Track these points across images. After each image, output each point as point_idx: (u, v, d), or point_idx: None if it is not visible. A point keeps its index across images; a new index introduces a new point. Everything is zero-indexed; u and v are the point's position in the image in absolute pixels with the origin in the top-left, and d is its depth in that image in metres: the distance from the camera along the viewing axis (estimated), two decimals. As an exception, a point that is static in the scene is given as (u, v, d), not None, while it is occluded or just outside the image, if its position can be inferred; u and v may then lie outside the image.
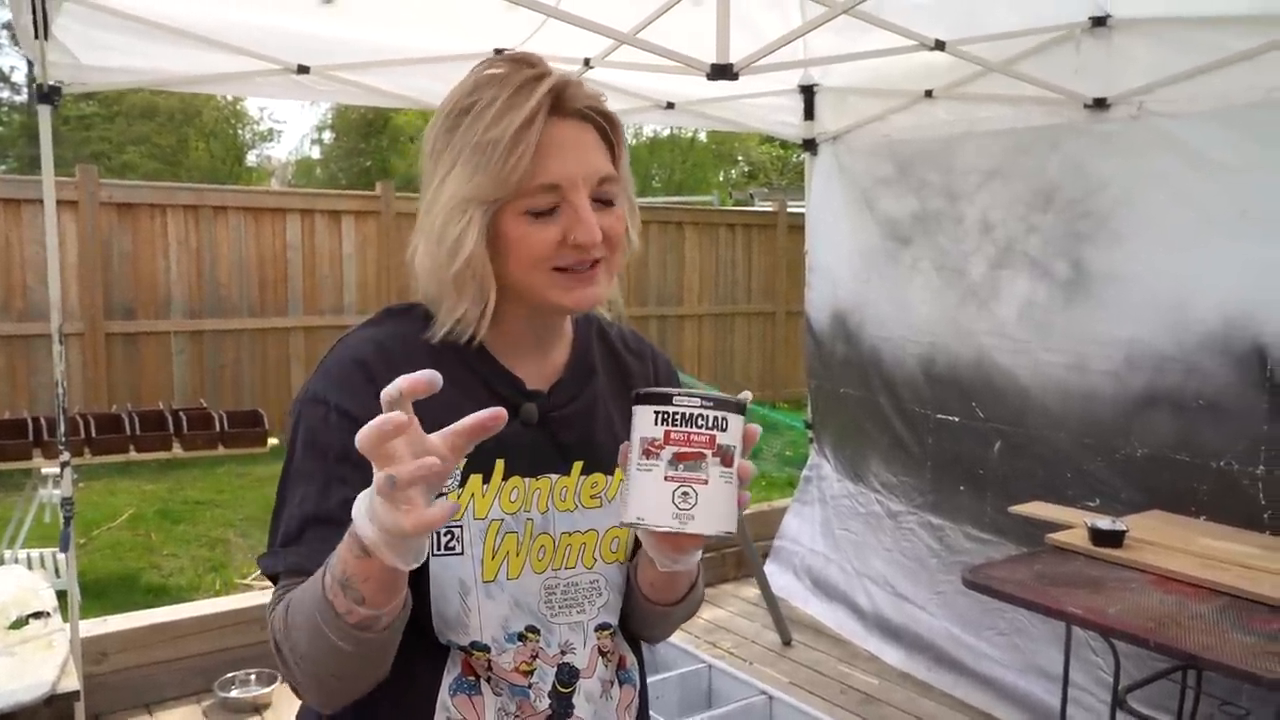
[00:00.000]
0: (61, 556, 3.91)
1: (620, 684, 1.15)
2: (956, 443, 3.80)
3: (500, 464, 1.04)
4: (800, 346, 5.31)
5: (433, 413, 0.98)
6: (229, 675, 3.55)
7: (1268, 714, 2.30)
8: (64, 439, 3.18)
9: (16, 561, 4.34)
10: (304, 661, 0.94)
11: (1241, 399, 2.87)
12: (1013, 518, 3.21)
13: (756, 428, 0.94)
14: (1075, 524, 2.84)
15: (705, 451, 0.89)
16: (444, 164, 1.02)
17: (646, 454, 0.90)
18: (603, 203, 1.04)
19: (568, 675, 1.07)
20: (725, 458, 0.90)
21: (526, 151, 0.97)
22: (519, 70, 1.01)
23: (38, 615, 3.45)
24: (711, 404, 0.90)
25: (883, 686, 3.78)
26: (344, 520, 0.94)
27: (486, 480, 1.04)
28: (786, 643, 4.18)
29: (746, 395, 0.97)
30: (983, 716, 3.52)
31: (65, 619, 3.37)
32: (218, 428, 4.70)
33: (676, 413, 0.90)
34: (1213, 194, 2.95)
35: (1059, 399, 3.40)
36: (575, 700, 1.07)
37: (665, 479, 0.89)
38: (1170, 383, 3.05)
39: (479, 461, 1.03)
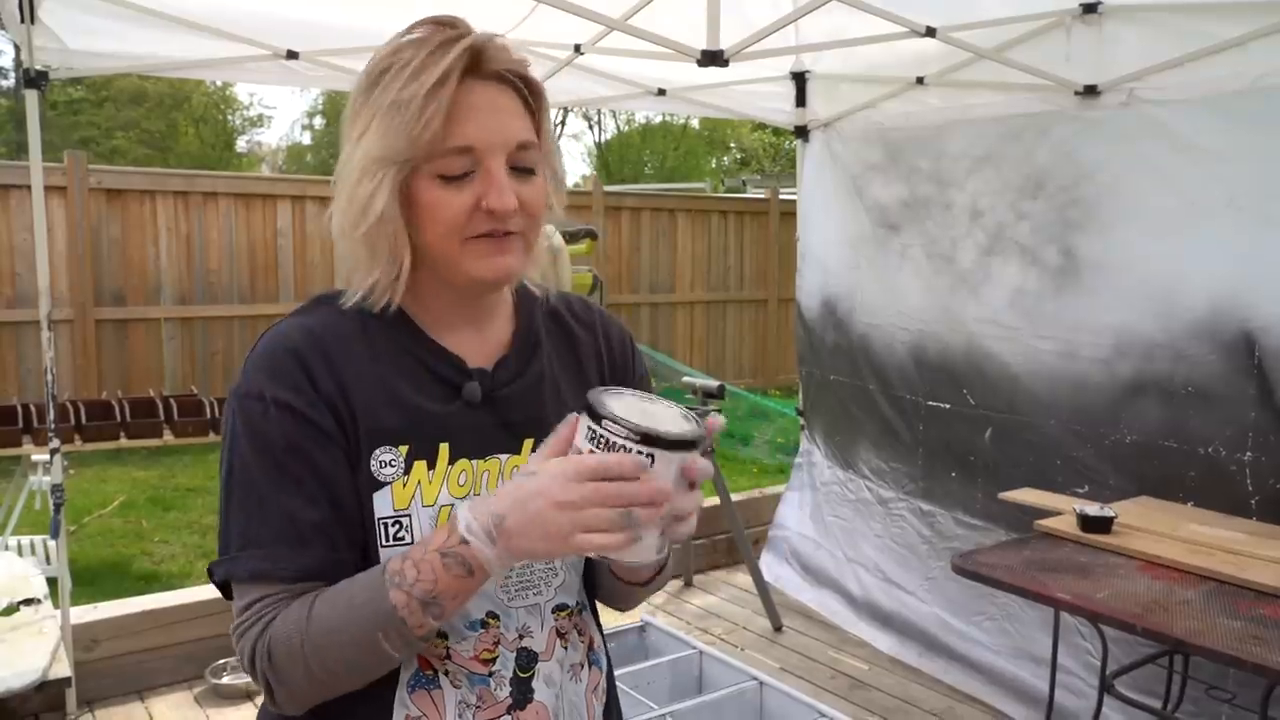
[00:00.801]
0: (52, 543, 3.90)
1: (590, 665, 1.13)
2: (947, 429, 3.81)
3: (445, 448, 1.02)
4: (792, 333, 5.32)
5: (367, 395, 1.00)
6: (220, 661, 3.56)
7: (1254, 698, 2.31)
8: (54, 426, 3.17)
9: (7, 549, 4.33)
10: (333, 673, 0.94)
11: (1229, 386, 2.88)
12: (1003, 504, 3.22)
13: (701, 468, 0.90)
14: (1064, 510, 2.86)
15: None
16: (359, 124, 0.99)
17: None
18: (521, 171, 1.01)
19: (526, 660, 1.05)
20: None
21: (438, 111, 0.95)
22: (439, 32, 0.99)
23: (28, 602, 3.46)
24: (638, 438, 0.86)
25: (872, 672, 3.81)
26: (306, 519, 0.96)
27: (432, 466, 1.01)
28: (777, 629, 4.20)
29: (716, 423, 0.93)
30: (972, 701, 3.54)
31: (56, 606, 3.37)
32: (208, 414, 4.69)
33: (603, 436, 0.87)
34: (1200, 181, 2.95)
35: (1048, 386, 3.41)
36: (534, 684, 1.05)
37: None
38: (1159, 370, 3.07)
39: (423, 447, 1.01)
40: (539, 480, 0.88)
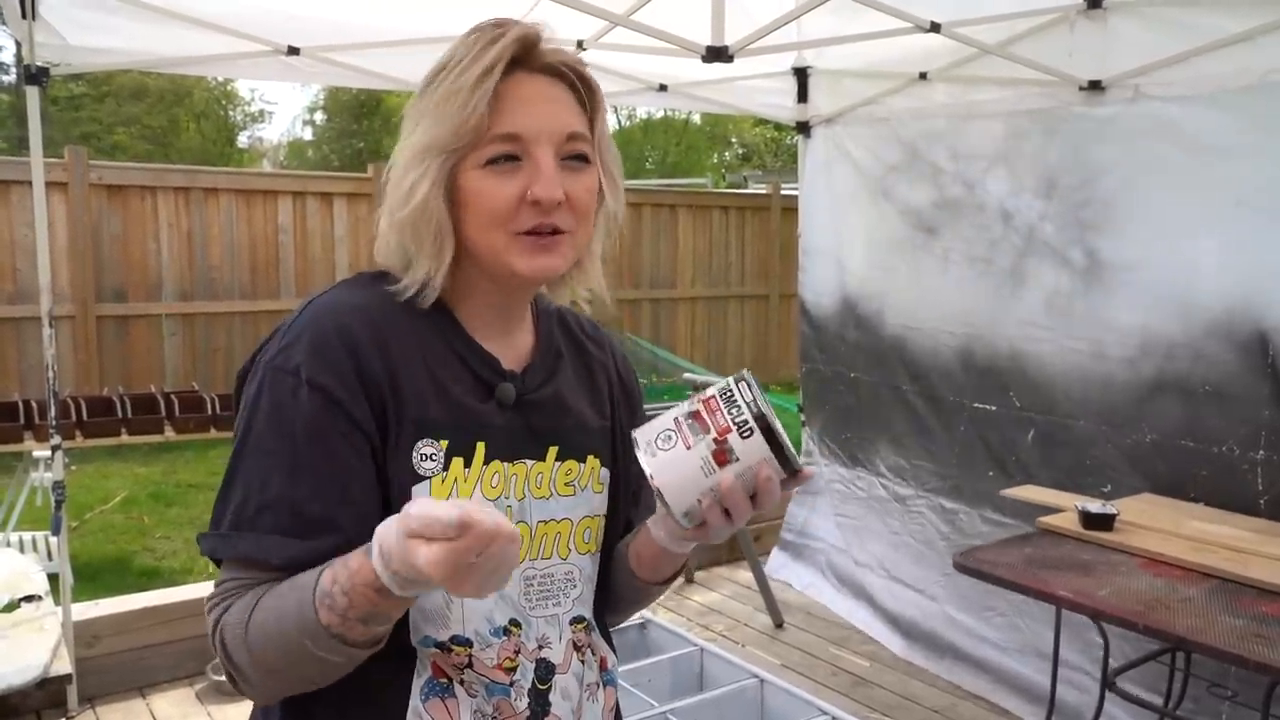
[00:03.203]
0: (53, 539, 3.91)
1: (603, 685, 1.12)
2: (990, 430, 3.76)
3: (482, 447, 1.00)
4: (794, 329, 5.31)
5: (418, 384, 0.98)
6: (222, 658, 3.56)
7: (1256, 695, 2.31)
8: (55, 422, 3.17)
9: (8, 545, 4.34)
10: (272, 672, 0.91)
11: (1244, 385, 2.87)
12: (1032, 504, 3.20)
13: (775, 487, 0.93)
14: (1066, 507, 2.85)
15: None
16: (411, 123, 0.99)
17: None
18: (573, 164, 0.99)
19: (545, 671, 1.02)
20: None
21: (483, 98, 0.94)
22: (491, 30, 0.98)
23: (29, 599, 3.46)
24: (755, 411, 0.91)
25: (874, 669, 3.80)
26: (309, 511, 0.92)
27: (468, 464, 0.99)
28: (779, 625, 4.20)
29: (809, 473, 0.96)
30: (974, 698, 3.54)
31: (57, 602, 3.37)
32: (209, 411, 4.69)
33: (732, 395, 0.92)
34: (1209, 179, 2.94)
35: (1081, 386, 3.39)
36: (552, 698, 1.02)
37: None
38: (1179, 369, 3.05)
39: (462, 444, 0.99)
40: (401, 523, 0.81)
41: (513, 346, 1.08)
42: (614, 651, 1.16)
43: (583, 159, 0.99)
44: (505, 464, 1.02)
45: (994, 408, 3.77)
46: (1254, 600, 2.23)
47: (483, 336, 1.05)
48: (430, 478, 0.97)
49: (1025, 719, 3.36)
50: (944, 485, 3.99)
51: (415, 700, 0.97)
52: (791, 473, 0.92)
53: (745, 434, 0.90)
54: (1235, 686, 2.68)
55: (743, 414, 0.90)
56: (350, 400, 0.94)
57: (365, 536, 0.90)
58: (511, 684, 1.00)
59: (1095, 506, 2.71)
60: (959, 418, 3.94)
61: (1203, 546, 2.53)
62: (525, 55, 0.97)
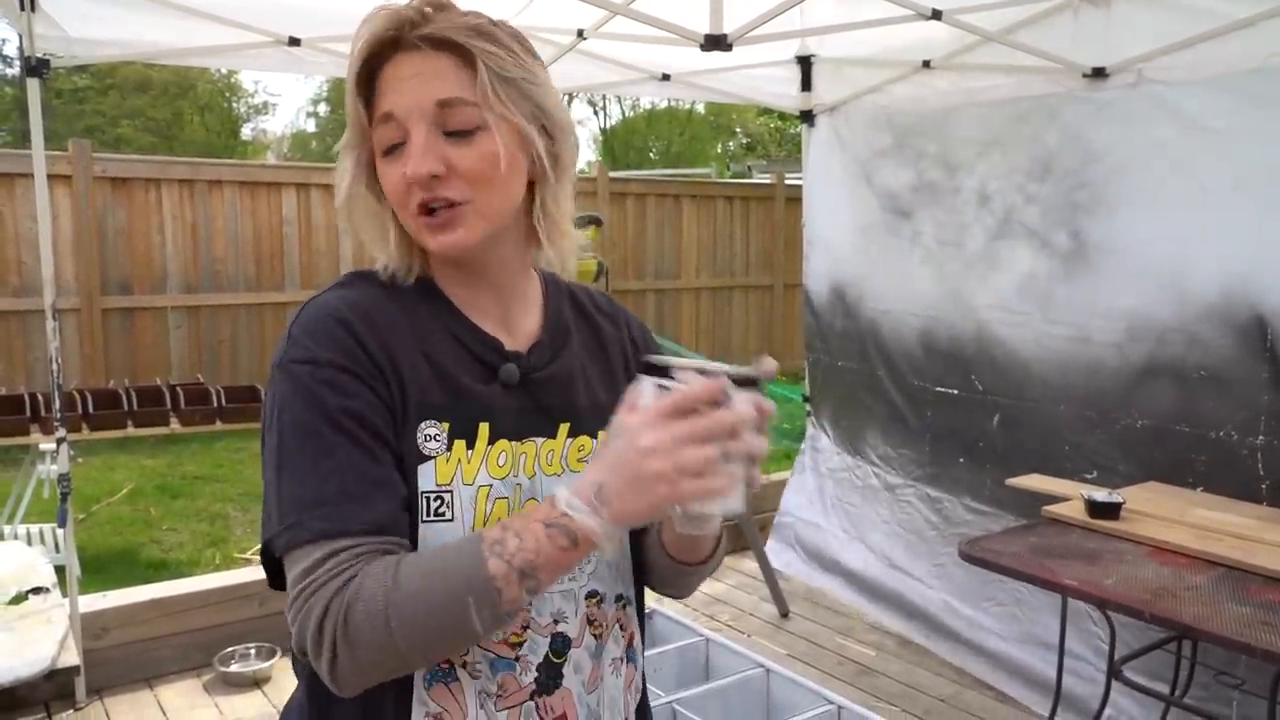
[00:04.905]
0: (60, 532, 3.92)
1: (627, 662, 1.12)
2: (955, 415, 3.80)
3: (485, 427, 1.00)
4: (798, 319, 5.30)
5: (415, 367, 0.99)
6: (229, 649, 3.57)
7: (1263, 683, 2.30)
8: (60, 415, 3.17)
9: (16, 537, 4.35)
10: (412, 641, 0.88)
11: (1242, 369, 2.86)
12: (1012, 490, 3.21)
13: (769, 404, 0.90)
14: (1071, 496, 2.85)
15: None
16: None
17: None
18: (457, 134, 0.97)
19: (561, 644, 1.03)
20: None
21: (358, 86, 0.99)
22: (365, 19, 1.00)
23: (37, 591, 3.47)
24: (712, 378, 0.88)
25: (880, 658, 3.81)
26: (371, 473, 0.93)
27: (471, 445, 0.99)
28: (784, 615, 4.20)
29: (767, 367, 0.91)
30: (980, 685, 3.54)
31: (65, 594, 3.38)
32: (215, 403, 4.70)
33: (672, 387, 0.88)
34: (1210, 163, 2.92)
35: (1059, 371, 3.39)
36: (565, 670, 1.03)
37: None
38: (1172, 354, 3.04)
39: (463, 426, 0.99)
40: (625, 438, 0.87)
41: (517, 326, 1.08)
42: (641, 631, 1.16)
43: (466, 126, 0.97)
44: (513, 443, 1.02)
45: (956, 391, 3.78)
46: (1261, 588, 2.22)
47: (482, 318, 1.06)
48: (435, 457, 0.98)
49: (1031, 707, 3.36)
50: (925, 473, 4.01)
51: (419, 689, 0.97)
52: (746, 381, 0.89)
53: (726, 401, 0.87)
54: (1242, 674, 2.68)
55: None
56: (368, 376, 0.96)
57: (409, 496, 0.95)
58: (517, 658, 1.00)
59: (1102, 495, 2.70)
60: (924, 403, 3.95)
61: (1209, 534, 2.52)
62: (402, 34, 0.97)
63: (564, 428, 1.06)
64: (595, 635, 1.06)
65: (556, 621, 1.03)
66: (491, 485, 0.99)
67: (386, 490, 0.93)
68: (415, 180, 0.96)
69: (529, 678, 1.00)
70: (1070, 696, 3.01)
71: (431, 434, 0.98)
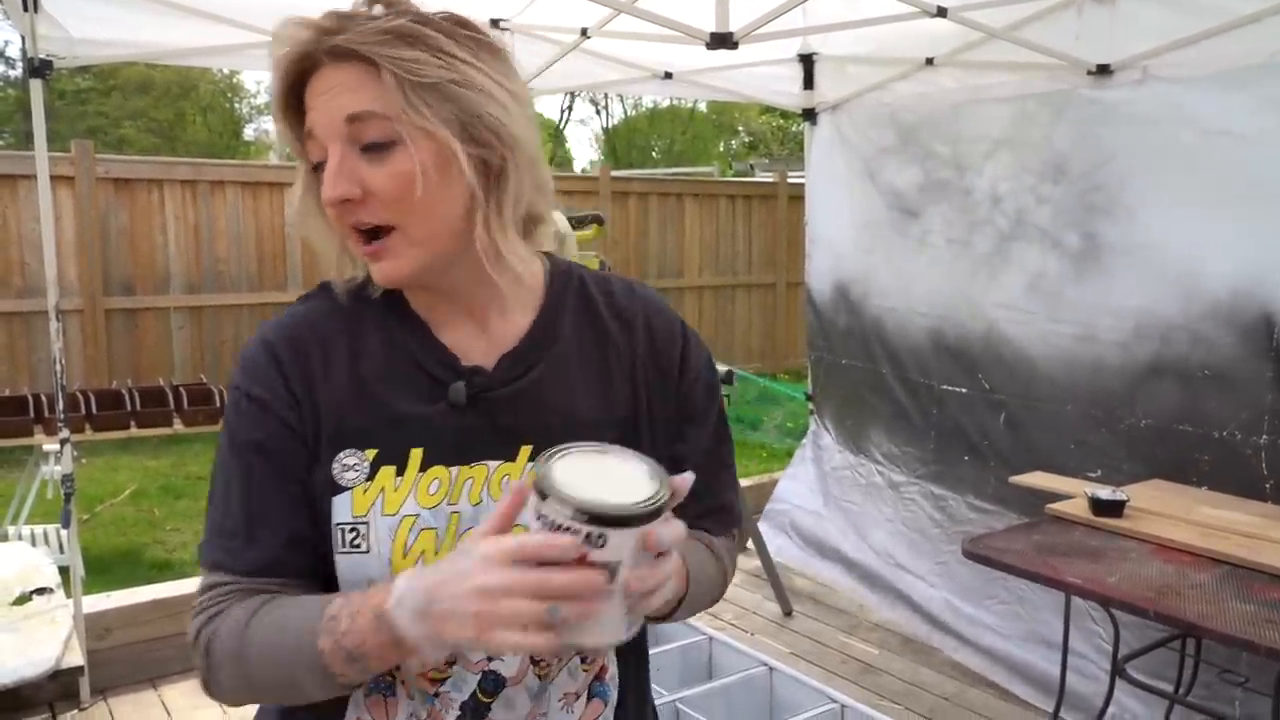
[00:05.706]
0: (64, 532, 3.92)
1: (591, 697, 1.03)
2: (962, 413, 3.79)
3: (417, 454, 0.94)
4: (801, 317, 5.29)
5: (337, 394, 0.96)
6: (233, 649, 3.57)
7: (1267, 681, 2.30)
8: (63, 416, 3.17)
9: (20, 538, 4.35)
10: (258, 689, 0.93)
11: (1247, 369, 2.85)
12: (1015, 488, 3.21)
13: (664, 538, 0.78)
14: (1075, 494, 2.84)
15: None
16: None
17: None
18: (374, 149, 0.89)
19: (492, 684, 0.96)
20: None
21: (280, 105, 0.94)
22: (279, 29, 0.93)
23: (41, 591, 3.47)
24: (585, 517, 0.74)
25: (883, 656, 3.80)
26: (258, 514, 0.94)
27: (401, 472, 0.94)
28: (787, 613, 4.20)
29: (683, 483, 0.82)
30: (983, 684, 3.54)
31: (68, 595, 3.38)
32: (218, 403, 4.70)
33: (546, 516, 0.76)
34: (1217, 161, 2.91)
35: (1065, 370, 3.38)
36: (494, 708, 0.96)
37: None
38: (1176, 352, 3.03)
39: (391, 452, 0.94)
40: (466, 561, 0.78)
41: (497, 332, 1.00)
42: (618, 660, 1.06)
43: (380, 140, 0.89)
44: (454, 468, 0.95)
45: (963, 390, 3.77)
46: (1265, 586, 2.22)
47: (448, 328, 1.00)
48: (350, 488, 0.94)
49: (1034, 705, 3.36)
50: (929, 471, 4.00)
51: (358, 693, 0.96)
52: (651, 513, 0.77)
53: (599, 541, 0.76)
54: (1246, 672, 2.67)
55: (578, 526, 0.75)
56: (283, 408, 0.95)
57: (315, 538, 0.94)
58: (437, 695, 0.95)
59: (1105, 493, 2.70)
60: (930, 401, 3.95)
61: (1213, 532, 2.51)
62: (309, 49, 0.90)
63: (525, 450, 0.97)
64: (540, 675, 0.98)
65: (490, 659, 0.96)
66: (418, 515, 0.93)
67: (273, 527, 0.94)
68: (329, 205, 0.91)
69: (451, 715, 0.96)
70: (1074, 694, 3.00)
71: (350, 463, 0.94)
